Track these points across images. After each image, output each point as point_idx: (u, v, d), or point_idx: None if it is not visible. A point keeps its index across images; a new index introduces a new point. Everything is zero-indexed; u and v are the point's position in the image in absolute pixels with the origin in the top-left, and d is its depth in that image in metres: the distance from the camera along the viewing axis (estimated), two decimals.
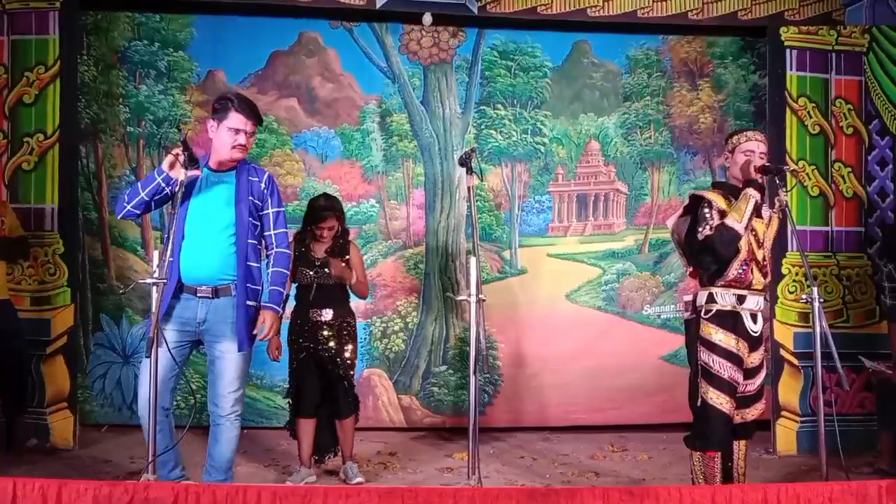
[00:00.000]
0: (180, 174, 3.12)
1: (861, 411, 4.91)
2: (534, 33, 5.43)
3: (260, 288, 3.38)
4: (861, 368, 4.64)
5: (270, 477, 4.24)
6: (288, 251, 3.44)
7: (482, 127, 5.45)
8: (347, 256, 4.10)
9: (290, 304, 4.03)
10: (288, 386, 4.12)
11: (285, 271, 3.41)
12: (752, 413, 3.41)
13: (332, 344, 4.01)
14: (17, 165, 4.67)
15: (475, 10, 5.10)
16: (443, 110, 5.42)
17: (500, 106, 5.45)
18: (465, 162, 3.45)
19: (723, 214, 3.28)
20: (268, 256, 3.44)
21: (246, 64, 5.28)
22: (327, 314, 4.02)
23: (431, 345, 5.37)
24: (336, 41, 5.34)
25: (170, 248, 3.12)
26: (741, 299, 3.29)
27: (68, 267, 4.66)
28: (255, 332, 3.29)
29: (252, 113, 3.28)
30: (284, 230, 3.43)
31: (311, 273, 4.03)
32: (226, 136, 3.24)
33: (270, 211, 3.38)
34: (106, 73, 5.14)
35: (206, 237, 3.23)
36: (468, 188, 3.38)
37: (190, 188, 3.23)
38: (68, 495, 2.44)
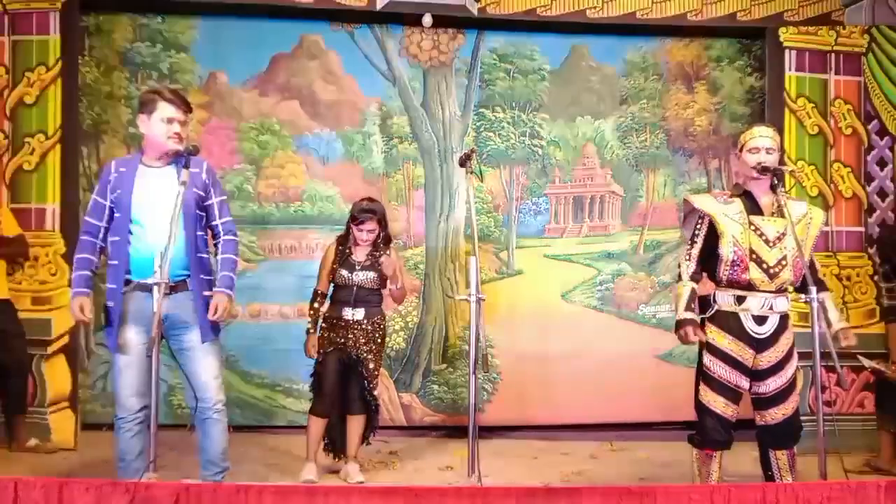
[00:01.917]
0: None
1: (861, 411, 4.92)
2: (532, 37, 5.45)
3: (210, 279, 3.39)
4: (861, 368, 4.65)
5: (272, 477, 4.24)
6: (235, 238, 3.47)
7: (481, 129, 5.46)
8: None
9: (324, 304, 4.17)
10: (311, 379, 4.16)
11: (234, 257, 3.44)
12: (775, 416, 3.29)
13: (360, 344, 4.06)
14: (18, 166, 4.68)
15: (475, 12, 5.12)
16: (442, 113, 5.44)
17: (498, 109, 5.47)
18: (464, 162, 3.47)
19: (711, 227, 3.32)
20: (216, 245, 3.45)
21: (248, 66, 5.29)
22: (359, 314, 4.07)
23: (431, 343, 5.39)
24: (337, 44, 5.36)
25: (112, 248, 3.22)
26: (740, 300, 3.29)
27: (69, 267, 4.66)
28: (208, 316, 3.29)
29: (182, 101, 3.30)
30: (230, 218, 3.47)
31: (351, 276, 4.08)
32: (160, 127, 3.25)
33: (214, 201, 3.40)
34: (108, 74, 5.16)
35: (157, 234, 3.17)
36: (468, 188, 3.40)
37: (130, 186, 3.23)
38: (69, 495, 2.44)
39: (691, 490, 2.65)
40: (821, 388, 3.08)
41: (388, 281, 4.08)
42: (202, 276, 3.31)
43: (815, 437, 3.05)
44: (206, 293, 3.31)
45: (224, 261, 3.41)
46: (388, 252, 4.13)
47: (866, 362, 4.48)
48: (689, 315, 3.30)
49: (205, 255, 3.36)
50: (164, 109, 3.24)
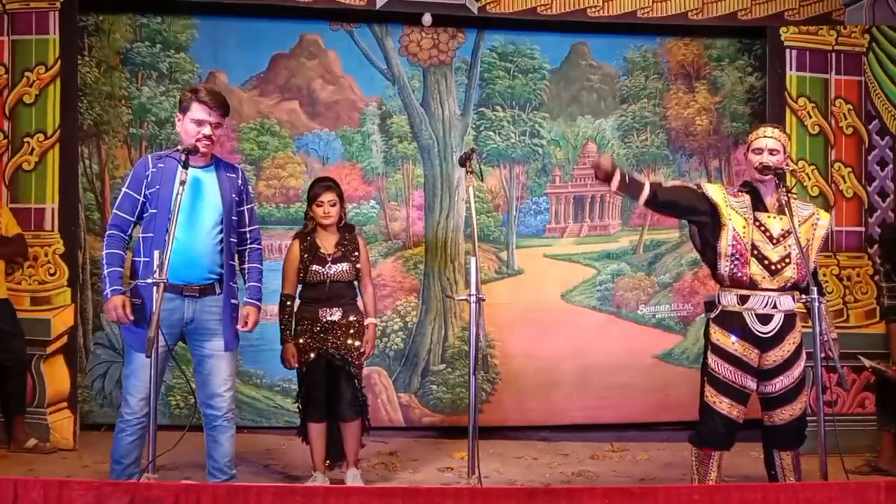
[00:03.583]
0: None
1: (861, 411, 4.92)
2: (532, 35, 5.44)
3: (237, 286, 3.39)
4: (861, 368, 4.65)
5: (270, 477, 4.23)
6: (261, 247, 3.53)
7: (481, 129, 5.45)
8: (357, 254, 4.02)
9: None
10: (297, 389, 4.05)
11: (261, 266, 3.48)
12: (782, 416, 3.30)
13: (340, 344, 3.94)
14: (17, 165, 4.68)
15: (475, 11, 5.12)
16: (442, 112, 5.43)
17: (498, 108, 5.46)
18: (464, 161, 3.47)
19: (714, 209, 3.32)
20: (241, 253, 3.45)
21: (247, 66, 5.28)
22: (336, 314, 3.93)
23: (430, 343, 5.38)
24: (337, 43, 5.35)
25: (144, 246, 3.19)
26: (743, 299, 3.29)
27: (68, 267, 4.67)
28: (237, 327, 3.33)
29: (216, 103, 3.22)
30: (257, 226, 3.52)
31: (324, 270, 3.93)
32: (190, 128, 3.21)
33: (246, 207, 3.42)
34: (108, 74, 5.15)
35: (193, 235, 3.20)
36: (468, 188, 3.40)
37: (170, 184, 3.16)
38: (69, 495, 2.43)
39: (692, 491, 2.64)
40: (822, 389, 3.08)
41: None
42: (231, 283, 3.31)
43: (816, 438, 3.05)
44: (233, 301, 3.33)
45: (253, 270, 3.44)
46: (355, 253, 4.02)
47: (866, 362, 4.48)
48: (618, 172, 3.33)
49: (234, 262, 3.36)
50: (196, 111, 3.20)
